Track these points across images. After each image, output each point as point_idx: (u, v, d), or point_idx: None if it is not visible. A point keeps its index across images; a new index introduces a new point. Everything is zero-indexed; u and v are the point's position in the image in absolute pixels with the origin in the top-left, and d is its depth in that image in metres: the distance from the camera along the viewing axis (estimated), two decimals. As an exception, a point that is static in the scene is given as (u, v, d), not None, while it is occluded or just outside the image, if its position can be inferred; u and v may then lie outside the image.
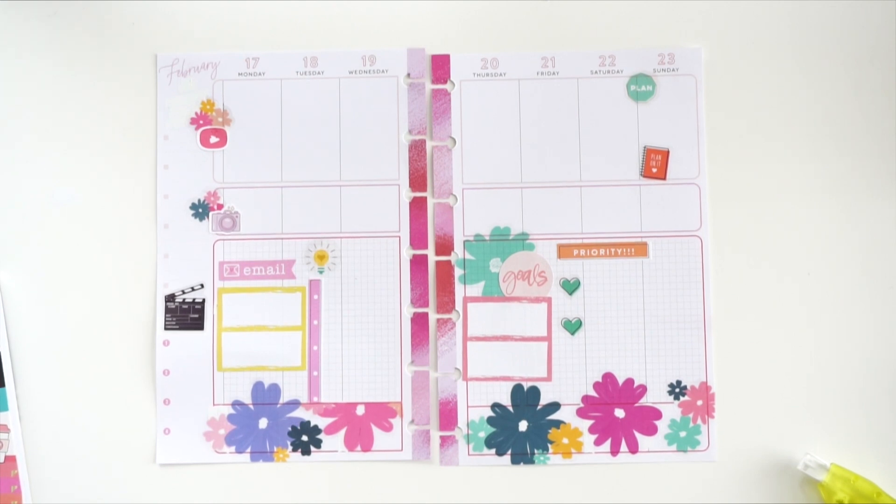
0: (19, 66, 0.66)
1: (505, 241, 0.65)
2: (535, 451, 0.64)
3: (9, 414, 0.64)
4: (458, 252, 0.65)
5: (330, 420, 0.65)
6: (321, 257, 0.65)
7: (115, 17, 0.66)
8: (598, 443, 0.64)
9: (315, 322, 0.65)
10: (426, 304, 0.65)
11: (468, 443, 0.64)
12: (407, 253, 0.65)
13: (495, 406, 0.65)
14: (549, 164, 0.65)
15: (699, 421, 0.64)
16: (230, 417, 0.65)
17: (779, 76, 0.65)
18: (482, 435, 0.64)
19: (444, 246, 0.65)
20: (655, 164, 0.65)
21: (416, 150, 0.66)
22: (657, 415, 0.64)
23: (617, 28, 0.66)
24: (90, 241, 0.65)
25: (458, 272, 0.65)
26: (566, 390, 0.65)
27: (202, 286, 0.65)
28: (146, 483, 0.64)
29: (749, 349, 0.64)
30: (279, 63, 0.66)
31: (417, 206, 0.65)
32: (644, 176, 0.65)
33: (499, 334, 0.65)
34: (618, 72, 0.65)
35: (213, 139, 0.66)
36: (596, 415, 0.64)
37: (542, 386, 0.65)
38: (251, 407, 0.65)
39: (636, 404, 0.64)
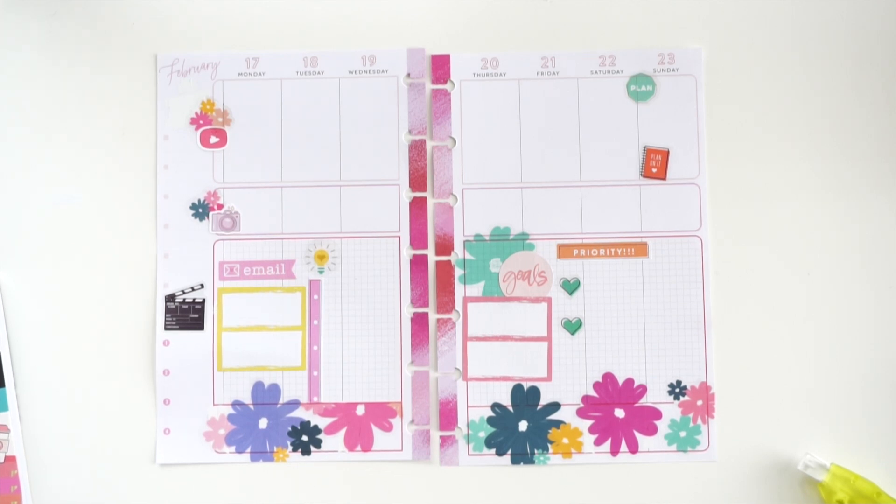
0: (19, 66, 0.66)
1: (505, 241, 0.65)
2: (535, 451, 0.64)
3: (9, 414, 0.64)
4: (458, 252, 0.65)
5: (330, 420, 0.65)
6: (321, 257, 0.65)
7: (115, 17, 0.66)
8: (598, 443, 0.64)
9: (315, 322, 0.65)
10: (426, 304, 0.65)
11: (468, 443, 0.64)
12: (407, 253, 0.65)
13: (495, 406, 0.65)
14: (550, 164, 0.65)
15: (699, 421, 0.64)
16: (230, 417, 0.65)
17: (779, 76, 0.65)
18: (482, 435, 0.64)
19: (444, 246, 0.65)
20: (655, 164, 0.65)
21: (416, 150, 0.66)
22: (657, 415, 0.64)
23: (617, 28, 0.66)
24: (90, 241, 0.65)
25: (458, 272, 0.65)
26: (566, 390, 0.65)
27: (202, 286, 0.65)
28: (146, 483, 0.64)
29: (749, 349, 0.64)
30: (279, 63, 0.66)
31: (417, 206, 0.65)
32: (644, 176, 0.65)
33: (499, 334, 0.65)
34: (618, 72, 0.65)
35: (213, 139, 0.66)
36: (596, 415, 0.64)
37: (542, 386, 0.65)
38: (251, 407, 0.65)
39: (636, 404, 0.64)
